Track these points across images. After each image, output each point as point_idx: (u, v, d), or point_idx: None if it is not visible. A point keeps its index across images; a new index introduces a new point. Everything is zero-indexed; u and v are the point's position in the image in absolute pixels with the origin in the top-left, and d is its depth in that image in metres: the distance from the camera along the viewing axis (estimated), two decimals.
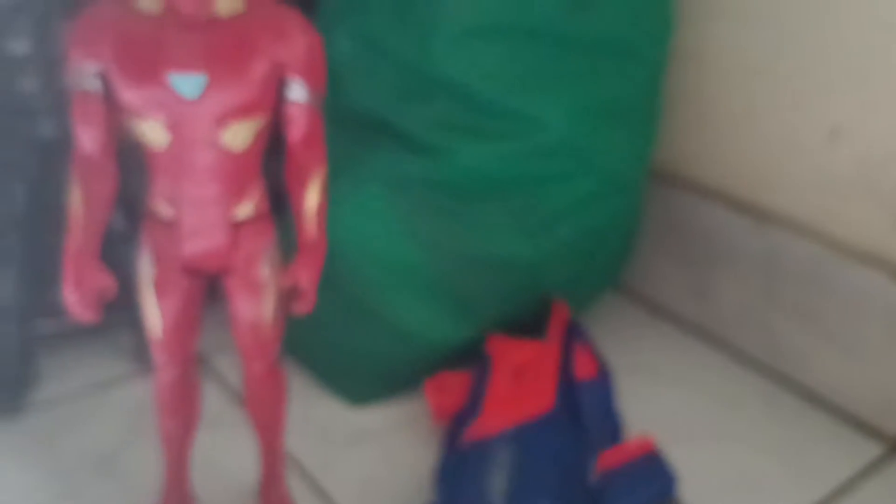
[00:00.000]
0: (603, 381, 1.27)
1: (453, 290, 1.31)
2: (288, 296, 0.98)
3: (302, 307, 0.97)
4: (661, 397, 1.41)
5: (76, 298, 0.90)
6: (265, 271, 0.97)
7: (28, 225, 1.26)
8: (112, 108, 0.88)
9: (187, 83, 0.84)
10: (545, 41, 1.18)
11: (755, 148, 1.44)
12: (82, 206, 0.89)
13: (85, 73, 0.86)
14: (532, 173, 1.25)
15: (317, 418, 1.32)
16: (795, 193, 1.39)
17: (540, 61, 1.20)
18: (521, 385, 1.25)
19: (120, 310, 1.20)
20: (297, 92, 0.90)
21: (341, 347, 1.32)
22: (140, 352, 1.40)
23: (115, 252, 1.03)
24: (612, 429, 1.23)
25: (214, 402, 1.31)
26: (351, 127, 1.25)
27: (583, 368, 1.30)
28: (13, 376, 1.30)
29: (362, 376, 1.34)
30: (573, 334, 1.36)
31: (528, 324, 1.42)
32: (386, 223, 1.24)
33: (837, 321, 1.35)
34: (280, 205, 0.99)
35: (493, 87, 1.19)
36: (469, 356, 1.35)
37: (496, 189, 1.25)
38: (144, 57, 0.84)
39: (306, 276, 0.95)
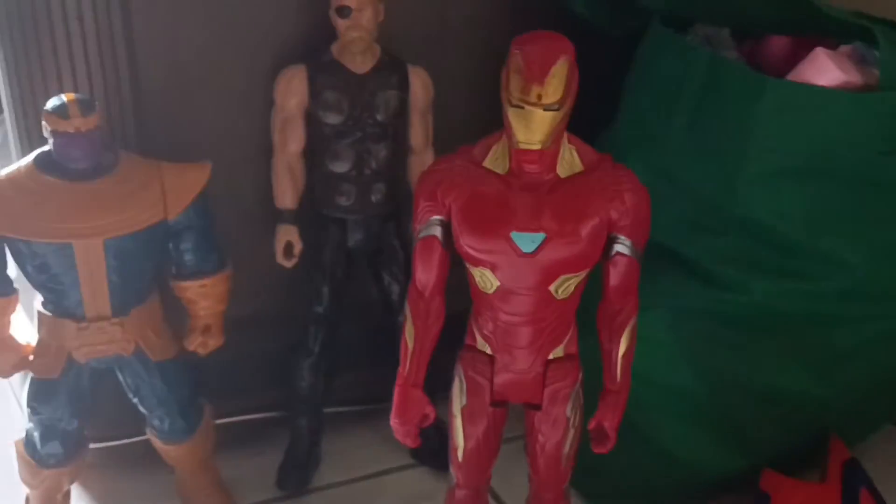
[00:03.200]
0: None
1: (729, 420, 1.28)
2: (590, 436, 1.00)
3: (603, 448, 0.99)
4: None
5: (401, 426, 0.98)
6: (570, 409, 1.00)
7: (328, 321, 1.38)
8: (447, 253, 0.96)
9: (526, 240, 0.90)
10: (854, 184, 1.15)
11: None
12: (413, 340, 0.97)
13: (432, 222, 0.94)
14: (826, 312, 1.20)
15: None
16: None
17: (846, 204, 1.16)
18: None
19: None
20: (623, 246, 0.93)
21: (610, 467, 1.32)
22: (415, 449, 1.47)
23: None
24: None
25: None
26: None
27: None
28: (302, 460, 1.42)
29: (629, 497, 1.34)
30: (855, 476, 1.28)
31: (801, 458, 1.36)
32: (666, 349, 1.24)
33: None
34: None
35: (795, 227, 1.17)
36: (736, 485, 1.32)
37: (786, 325, 1.21)
38: (489, 214, 0.90)
39: (610, 420, 0.98)
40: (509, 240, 0.90)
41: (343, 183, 1.31)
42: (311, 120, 1.29)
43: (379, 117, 1.29)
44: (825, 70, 1.18)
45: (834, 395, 1.26)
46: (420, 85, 1.31)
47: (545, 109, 0.84)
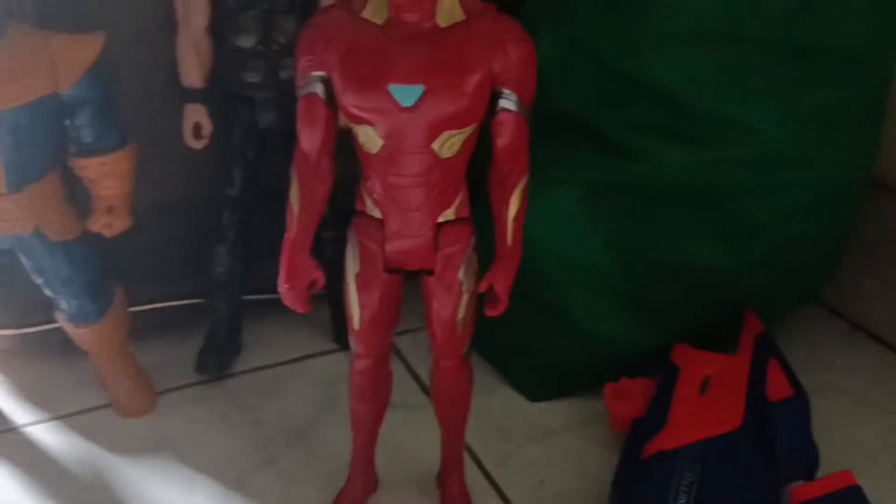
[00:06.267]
0: (799, 403, 1.20)
1: (642, 295, 1.28)
2: (482, 299, 1.00)
3: (495, 312, 0.99)
4: (861, 424, 1.32)
5: (290, 291, 0.96)
6: (463, 274, 0.99)
7: (242, 205, 1.36)
8: (333, 112, 0.93)
9: (405, 93, 0.87)
10: (762, 47, 1.12)
11: None
12: (299, 204, 0.95)
13: (312, 78, 0.91)
14: (738, 183, 1.19)
15: (496, 413, 1.34)
16: None
17: (755, 68, 1.13)
18: (707, 400, 1.21)
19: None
20: (509, 102, 0.90)
21: (524, 344, 1.33)
22: (337, 334, 1.48)
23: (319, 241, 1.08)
24: (806, 458, 1.17)
25: (399, 384, 1.37)
26: (548, 127, 1.24)
27: (776, 388, 1.23)
28: (221, 345, 1.42)
29: (543, 374, 1.35)
30: (766, 349, 1.29)
31: (717, 335, 1.37)
32: (578, 225, 1.23)
33: None
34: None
35: (703, 93, 1.14)
36: (652, 362, 1.33)
37: (698, 197, 1.20)
38: (368, 67, 0.87)
39: (502, 282, 0.97)
40: (388, 93, 0.87)
41: (250, 58, 1.26)
42: None
43: None
44: None
45: (744, 268, 1.26)
46: None
47: None
